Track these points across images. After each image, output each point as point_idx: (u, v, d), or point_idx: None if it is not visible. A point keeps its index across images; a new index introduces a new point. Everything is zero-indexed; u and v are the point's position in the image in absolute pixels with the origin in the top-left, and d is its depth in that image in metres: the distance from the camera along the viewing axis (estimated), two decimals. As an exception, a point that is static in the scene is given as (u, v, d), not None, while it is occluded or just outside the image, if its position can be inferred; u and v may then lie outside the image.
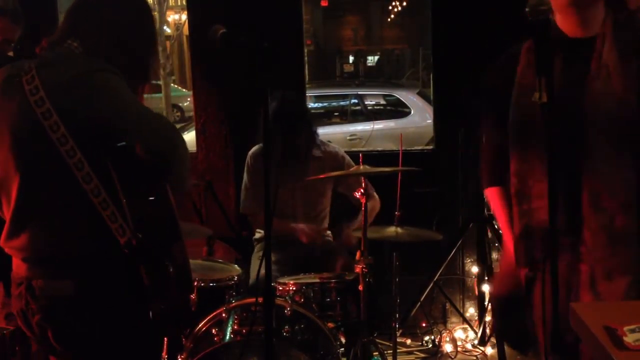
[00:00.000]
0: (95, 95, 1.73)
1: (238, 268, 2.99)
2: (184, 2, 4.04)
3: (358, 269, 2.78)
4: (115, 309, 1.79)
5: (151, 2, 17.77)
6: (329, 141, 3.65)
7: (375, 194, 3.33)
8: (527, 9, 1.92)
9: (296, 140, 3.28)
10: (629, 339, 1.36)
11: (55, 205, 1.76)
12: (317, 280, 2.83)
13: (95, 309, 1.78)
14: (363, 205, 2.85)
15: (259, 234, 3.53)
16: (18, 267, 1.81)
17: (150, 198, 1.80)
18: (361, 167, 2.94)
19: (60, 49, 1.82)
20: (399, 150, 3.29)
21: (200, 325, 2.54)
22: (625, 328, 1.38)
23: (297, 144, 3.29)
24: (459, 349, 3.61)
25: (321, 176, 3.07)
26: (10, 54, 3.02)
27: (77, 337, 1.80)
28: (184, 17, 14.58)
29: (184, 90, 15.08)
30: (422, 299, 3.63)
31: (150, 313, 1.81)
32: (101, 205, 1.72)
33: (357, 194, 2.86)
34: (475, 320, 3.82)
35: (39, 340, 1.84)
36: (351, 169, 3.17)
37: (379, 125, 8.43)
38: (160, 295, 1.79)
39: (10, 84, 1.78)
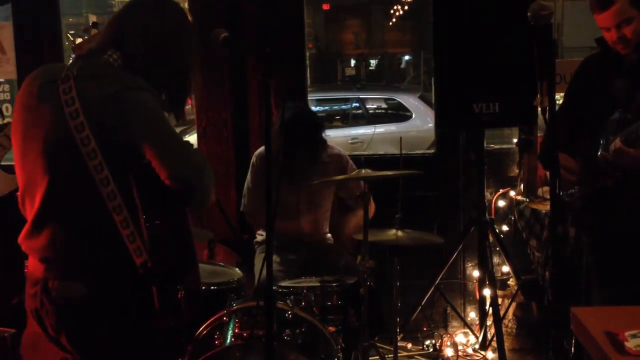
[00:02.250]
0: (128, 114, 1.75)
1: (239, 271, 2.99)
2: (186, 5, 4.03)
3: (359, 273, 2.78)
4: (125, 315, 1.82)
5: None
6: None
7: (372, 201, 3.32)
8: (529, 14, 1.93)
9: (305, 152, 3.25)
10: (630, 344, 1.36)
11: (77, 216, 1.80)
12: (318, 284, 2.83)
13: (105, 313, 1.81)
14: (364, 207, 2.85)
15: (260, 236, 3.52)
16: (35, 267, 1.85)
17: (168, 221, 1.81)
18: (363, 171, 2.94)
19: (99, 59, 1.83)
20: (400, 154, 3.29)
21: (201, 329, 2.54)
22: (627, 333, 1.38)
23: (305, 156, 3.27)
24: (459, 353, 3.61)
25: (325, 180, 3.07)
26: None
27: (88, 340, 1.84)
28: (186, 20, 14.55)
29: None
30: (423, 303, 3.62)
31: (158, 325, 1.84)
32: (121, 224, 1.74)
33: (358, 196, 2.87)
34: (476, 325, 3.81)
35: (52, 339, 1.87)
36: (353, 173, 3.17)
37: (380, 128, 8.42)
38: (168, 316, 1.82)
39: (47, 90, 1.80)
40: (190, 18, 2.01)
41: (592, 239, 2.68)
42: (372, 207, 3.33)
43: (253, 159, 3.45)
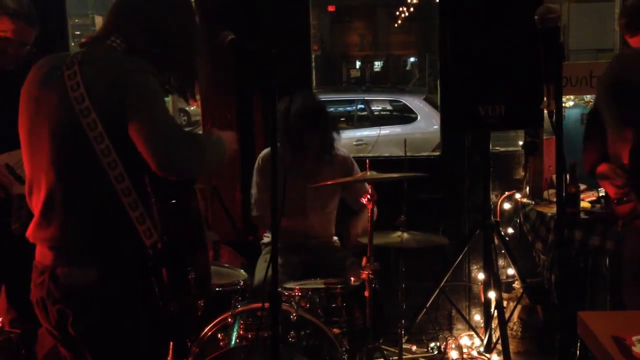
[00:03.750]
0: (128, 96, 1.74)
1: (244, 273, 2.99)
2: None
3: (364, 275, 2.78)
4: (132, 302, 1.82)
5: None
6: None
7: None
8: (535, 17, 1.93)
9: (313, 139, 3.26)
10: (638, 348, 1.35)
11: (86, 200, 1.80)
12: (323, 286, 2.83)
13: (114, 299, 1.80)
14: (370, 210, 2.85)
15: (267, 238, 3.52)
16: (43, 255, 1.84)
17: (178, 202, 1.82)
18: (368, 173, 2.94)
19: (103, 45, 1.85)
20: (404, 156, 3.29)
21: (206, 330, 2.54)
22: (634, 338, 1.38)
23: (314, 143, 3.28)
24: (464, 356, 3.60)
25: (330, 182, 3.07)
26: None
27: (93, 325, 1.82)
28: (191, 21, 14.56)
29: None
30: (427, 305, 3.62)
31: (163, 312, 1.84)
32: (130, 206, 1.75)
33: (364, 200, 2.87)
34: (481, 327, 3.81)
35: (55, 329, 1.86)
36: (358, 175, 3.17)
37: (385, 130, 8.42)
38: (177, 297, 1.82)
39: (52, 76, 1.81)
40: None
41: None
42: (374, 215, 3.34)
43: (258, 161, 3.45)
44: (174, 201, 1.81)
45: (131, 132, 1.74)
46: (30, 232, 1.87)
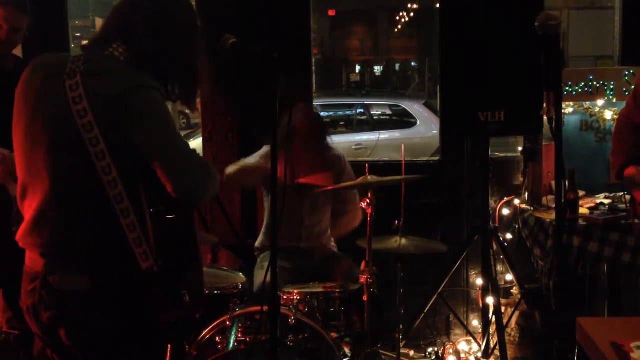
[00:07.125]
0: (136, 119, 1.70)
1: (242, 276, 2.99)
2: (193, 11, 4.02)
3: (363, 279, 2.78)
4: (127, 309, 1.78)
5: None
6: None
7: (359, 210, 3.33)
8: (536, 24, 1.94)
9: (315, 149, 3.27)
10: (636, 355, 1.36)
11: (83, 216, 1.75)
12: (321, 290, 2.83)
13: (108, 307, 1.76)
14: (369, 215, 2.86)
15: (258, 242, 3.52)
16: (34, 262, 1.79)
17: (173, 223, 1.79)
18: (368, 177, 2.95)
19: (106, 53, 1.78)
20: (402, 161, 3.30)
21: (204, 333, 2.54)
22: (632, 344, 1.38)
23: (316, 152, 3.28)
24: (462, 361, 3.60)
25: (330, 187, 3.07)
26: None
27: (88, 334, 1.78)
28: (192, 24, 14.57)
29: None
30: (426, 310, 3.62)
31: (160, 321, 1.82)
32: (128, 228, 1.71)
33: (363, 204, 2.87)
34: (479, 333, 3.80)
35: (47, 335, 1.82)
36: (359, 179, 3.16)
37: (384, 135, 8.45)
38: (172, 311, 1.81)
39: (52, 84, 1.74)
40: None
41: None
42: (354, 221, 3.37)
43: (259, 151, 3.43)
44: (169, 220, 1.78)
45: (146, 155, 1.70)
46: (20, 237, 1.82)
